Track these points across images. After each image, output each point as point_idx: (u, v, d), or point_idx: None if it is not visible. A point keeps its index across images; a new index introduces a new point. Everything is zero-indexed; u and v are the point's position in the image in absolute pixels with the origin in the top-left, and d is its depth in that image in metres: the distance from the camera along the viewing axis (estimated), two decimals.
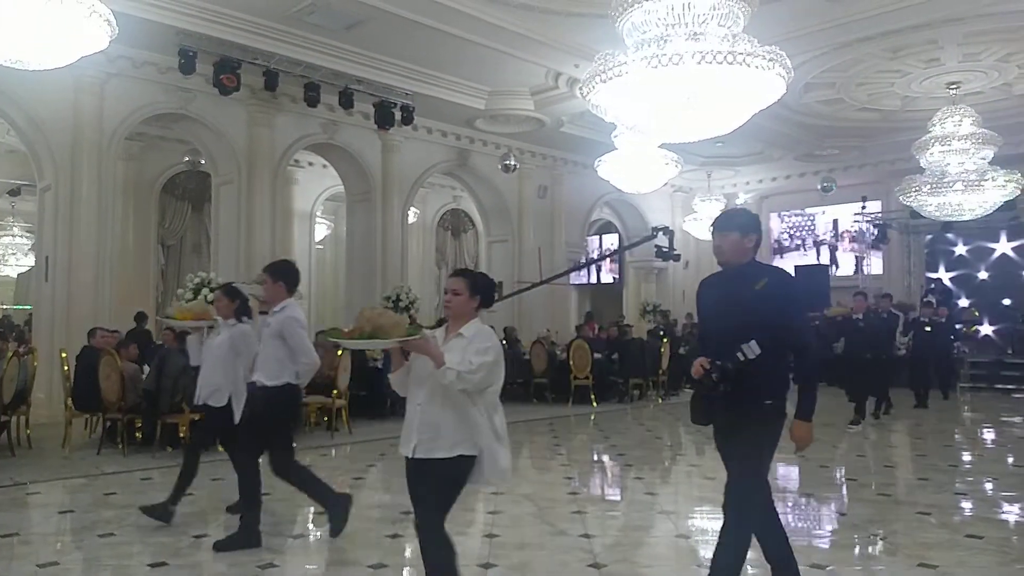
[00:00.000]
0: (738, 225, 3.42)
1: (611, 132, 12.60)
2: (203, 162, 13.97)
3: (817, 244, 20.57)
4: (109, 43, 7.25)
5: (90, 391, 8.03)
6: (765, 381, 3.28)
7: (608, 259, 22.82)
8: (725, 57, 6.81)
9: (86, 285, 10.84)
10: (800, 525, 5.44)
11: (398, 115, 12.65)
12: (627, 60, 7.21)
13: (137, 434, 7.87)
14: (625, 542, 4.94)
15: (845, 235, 19.86)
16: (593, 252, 23.52)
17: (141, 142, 14.58)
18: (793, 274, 17.98)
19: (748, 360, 3.19)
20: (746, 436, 3.42)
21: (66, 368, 8.40)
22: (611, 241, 23.16)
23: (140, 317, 12.17)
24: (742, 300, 3.32)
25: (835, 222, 20.13)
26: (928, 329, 12.63)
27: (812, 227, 20.66)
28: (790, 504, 6.09)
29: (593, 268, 23.78)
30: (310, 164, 16.72)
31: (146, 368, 8.30)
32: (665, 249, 13.28)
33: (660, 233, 13.73)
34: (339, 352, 9.09)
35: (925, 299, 15.29)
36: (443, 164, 15.73)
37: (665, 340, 14.06)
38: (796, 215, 20.91)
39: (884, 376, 10.85)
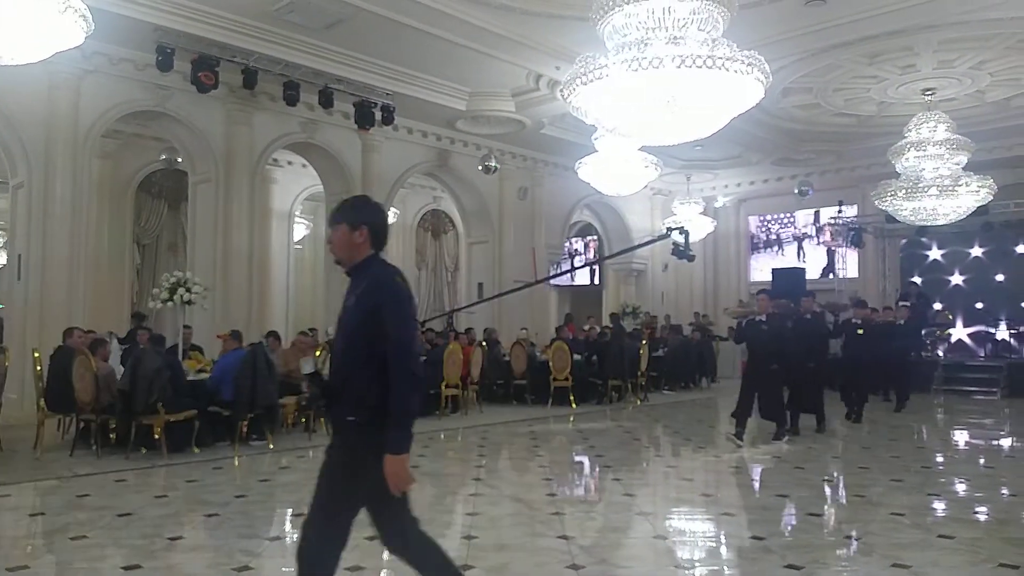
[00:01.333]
0: (346, 216, 2.91)
1: (592, 135, 12.65)
2: (180, 160, 13.82)
3: (795, 238, 20.82)
4: (85, 39, 7.15)
5: (63, 392, 7.91)
6: (353, 396, 2.78)
7: (611, 258, 22.66)
8: (704, 61, 6.86)
9: (60, 284, 10.69)
10: (775, 526, 5.48)
11: (378, 115, 12.61)
12: (608, 63, 7.24)
13: (111, 435, 7.77)
14: (603, 543, 4.95)
15: (826, 228, 20.10)
16: (574, 254, 23.60)
17: (117, 140, 14.39)
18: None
19: (330, 373, 2.81)
20: (328, 462, 2.88)
21: (39, 368, 8.27)
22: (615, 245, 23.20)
23: (138, 317, 12.02)
24: (346, 303, 2.91)
25: (816, 214, 20.36)
26: (860, 332, 11.19)
27: (792, 221, 20.88)
28: (765, 505, 6.14)
29: (573, 269, 23.82)
30: (289, 163, 16.60)
31: (120, 368, 8.20)
32: (681, 248, 13.36)
33: (676, 232, 13.80)
34: (317, 352, 9.04)
35: (901, 302, 15.51)
36: (423, 165, 15.69)
37: (644, 342, 14.11)
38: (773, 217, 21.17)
39: (797, 386, 9.46)
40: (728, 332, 12.03)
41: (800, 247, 20.43)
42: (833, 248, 19.47)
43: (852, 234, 17.63)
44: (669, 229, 13.77)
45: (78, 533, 4.91)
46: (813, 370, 9.54)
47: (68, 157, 10.77)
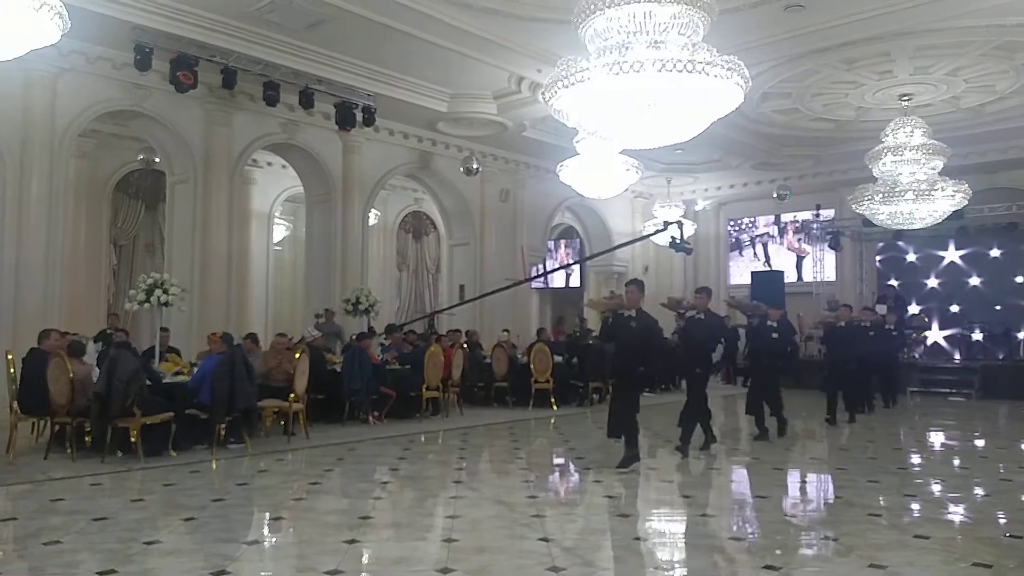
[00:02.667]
0: None
1: (573, 137, 12.68)
2: (158, 160, 13.71)
3: (753, 241, 21.05)
4: (61, 37, 7.06)
5: (38, 394, 7.79)
6: None
7: (585, 259, 22.71)
8: (685, 65, 6.90)
9: (35, 285, 10.55)
10: (754, 527, 5.52)
11: (359, 116, 12.57)
12: (589, 66, 7.27)
13: (87, 438, 7.66)
14: (584, 545, 4.95)
15: (788, 227, 20.35)
16: (556, 258, 23.62)
17: (94, 139, 14.24)
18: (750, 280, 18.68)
19: None
20: None
21: (12, 371, 8.14)
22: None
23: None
24: None
25: (777, 217, 20.64)
26: (776, 336, 9.75)
27: (753, 224, 21.13)
28: (743, 506, 6.18)
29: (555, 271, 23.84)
30: (269, 164, 16.51)
31: (96, 371, 8.09)
32: (678, 241, 13.46)
33: (673, 226, 13.87)
34: (297, 355, 8.98)
35: (877, 304, 15.70)
36: (405, 166, 15.66)
37: None
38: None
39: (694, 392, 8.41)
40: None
41: (766, 250, 20.62)
42: (800, 253, 19.71)
43: (830, 237, 17.81)
44: (666, 223, 13.80)
45: (51, 538, 4.83)
46: (701, 376, 8.20)
47: (44, 156, 10.64)
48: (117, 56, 10.76)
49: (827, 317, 11.82)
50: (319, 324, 12.87)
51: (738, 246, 21.34)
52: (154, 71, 10.50)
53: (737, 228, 21.47)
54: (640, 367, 7.32)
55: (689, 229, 19.22)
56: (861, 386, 11.53)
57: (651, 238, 17.48)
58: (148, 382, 7.60)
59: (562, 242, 22.90)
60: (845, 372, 10.80)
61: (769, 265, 20.32)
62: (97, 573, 4.19)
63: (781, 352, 9.76)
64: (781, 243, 20.53)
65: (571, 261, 21.91)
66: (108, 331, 11.07)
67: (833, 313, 12.67)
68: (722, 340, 8.82)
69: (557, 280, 23.70)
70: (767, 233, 20.90)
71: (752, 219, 21.13)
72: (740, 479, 7.39)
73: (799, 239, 20.11)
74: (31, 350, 8.46)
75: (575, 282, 23.00)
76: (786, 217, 20.52)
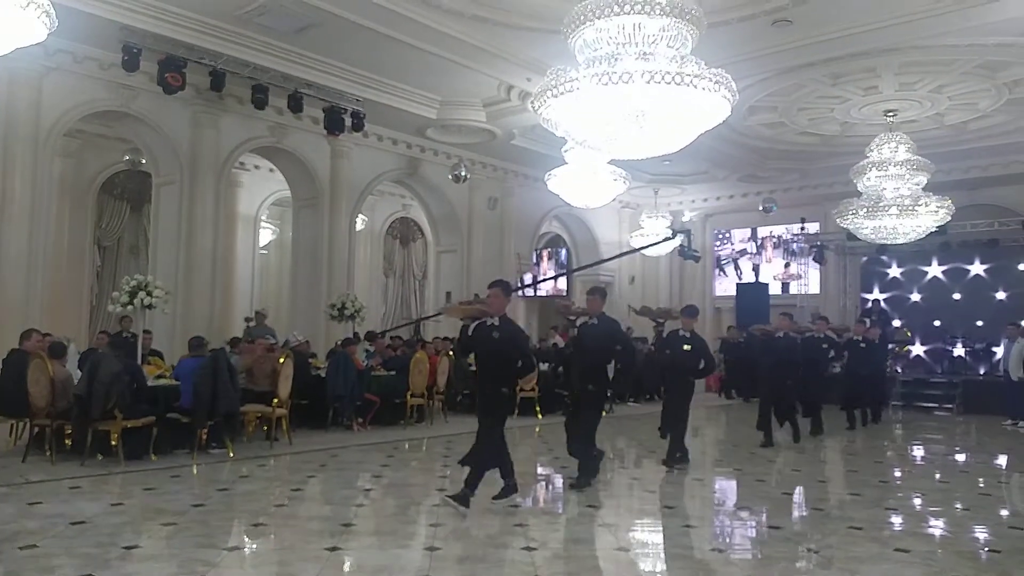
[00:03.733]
0: None
1: (562, 147, 12.72)
2: (144, 162, 13.62)
3: (730, 258, 21.21)
4: (48, 36, 7.01)
5: (17, 396, 7.70)
6: None
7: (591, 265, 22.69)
8: (673, 78, 6.96)
9: (16, 285, 10.43)
10: (735, 539, 5.54)
11: (348, 121, 12.55)
12: (578, 76, 7.31)
13: (67, 441, 7.58)
14: (566, 555, 4.95)
15: (767, 243, 20.52)
16: (543, 267, 23.61)
17: (79, 139, 14.13)
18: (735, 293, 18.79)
19: None
20: None
21: None
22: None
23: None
24: None
25: (753, 231, 20.81)
26: (687, 348, 8.21)
27: (728, 238, 21.31)
28: (726, 517, 6.20)
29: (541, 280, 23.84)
30: (256, 167, 16.43)
31: (78, 373, 8.01)
32: (687, 248, 13.49)
33: (679, 235, 13.93)
34: (281, 360, 8.93)
35: (861, 319, 15.81)
36: (393, 172, 15.65)
37: None
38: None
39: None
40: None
41: (737, 266, 20.74)
42: (787, 278, 19.88)
43: (814, 251, 17.95)
44: (675, 231, 13.89)
45: (28, 542, 4.77)
46: (595, 394, 7.10)
47: (28, 156, 10.55)
48: (104, 56, 10.70)
49: (765, 327, 10.87)
50: (249, 328, 12.56)
51: (716, 264, 21.50)
52: (142, 72, 10.44)
53: (716, 244, 21.62)
54: (504, 386, 6.05)
55: (675, 240, 19.31)
56: (802, 401, 10.73)
57: (642, 246, 17.56)
58: (135, 386, 7.52)
59: (544, 252, 22.90)
60: (780, 386, 9.89)
61: (740, 274, 20.55)
62: None
63: (692, 367, 8.12)
64: (760, 258, 20.68)
65: (585, 264, 21.73)
66: (123, 334, 10.78)
67: (812, 324, 12.65)
68: (619, 349, 7.27)
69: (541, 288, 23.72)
70: (744, 250, 21.05)
71: (727, 233, 21.25)
72: (723, 490, 7.40)
73: (789, 255, 20.25)
74: (11, 351, 8.37)
75: (561, 291, 22.99)
76: (763, 232, 20.71)
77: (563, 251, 23.09)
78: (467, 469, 5.98)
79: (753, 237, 20.91)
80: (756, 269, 20.31)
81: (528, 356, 6.41)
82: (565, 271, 20.27)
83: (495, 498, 6.02)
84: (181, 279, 12.09)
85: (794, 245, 19.28)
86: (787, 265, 19.64)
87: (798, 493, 7.27)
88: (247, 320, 13.05)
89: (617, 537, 5.44)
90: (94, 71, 11.00)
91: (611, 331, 7.10)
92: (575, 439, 7.25)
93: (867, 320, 13.63)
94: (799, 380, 10.30)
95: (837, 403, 12.36)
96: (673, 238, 14.15)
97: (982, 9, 9.54)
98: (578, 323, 7.76)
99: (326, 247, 14.29)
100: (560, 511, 6.45)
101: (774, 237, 20.56)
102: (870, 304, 18.42)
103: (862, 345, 12.62)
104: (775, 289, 19.63)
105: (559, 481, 7.73)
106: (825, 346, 11.52)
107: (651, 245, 17.82)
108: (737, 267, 20.40)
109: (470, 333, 6.09)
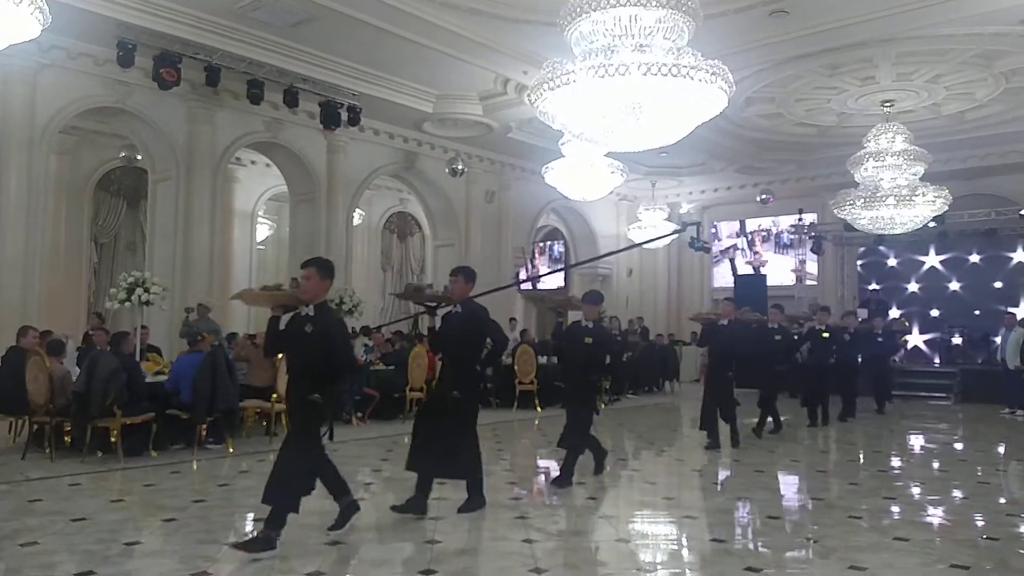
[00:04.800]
0: None
1: (558, 139, 12.70)
2: (140, 158, 13.58)
3: (721, 253, 21.18)
4: (42, 32, 6.98)
5: (16, 393, 7.69)
6: None
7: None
8: (670, 69, 6.94)
9: (13, 283, 10.41)
10: (736, 528, 5.55)
11: (344, 115, 12.52)
12: (574, 69, 7.29)
13: (66, 438, 7.58)
14: (566, 547, 4.96)
15: (755, 236, 20.52)
16: (539, 261, 23.63)
17: (75, 136, 14.09)
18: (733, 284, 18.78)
19: None
20: None
21: None
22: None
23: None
24: None
25: (741, 224, 20.80)
26: (589, 341, 6.94)
27: (715, 234, 21.32)
28: (725, 508, 6.21)
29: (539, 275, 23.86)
30: (252, 163, 16.40)
31: (76, 370, 8.01)
32: (697, 240, 13.40)
33: (689, 227, 13.87)
34: (280, 355, 8.91)
35: (860, 309, 15.86)
36: (390, 166, 15.61)
37: None
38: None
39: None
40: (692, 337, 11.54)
41: (732, 266, 20.69)
42: (758, 264, 19.88)
43: (812, 241, 17.96)
44: (685, 223, 13.82)
45: (29, 539, 4.77)
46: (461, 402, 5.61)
47: (23, 153, 10.51)
48: (99, 52, 10.66)
49: (708, 314, 10.13)
50: (187, 320, 11.21)
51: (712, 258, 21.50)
52: (137, 68, 10.40)
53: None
54: (325, 385, 4.80)
55: (685, 232, 19.29)
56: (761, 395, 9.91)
57: (651, 239, 17.52)
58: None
59: (536, 246, 22.90)
60: (722, 379, 8.90)
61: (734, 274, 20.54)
62: (75, 574, 4.14)
63: (598, 362, 7.10)
64: (755, 257, 20.68)
65: (568, 264, 21.73)
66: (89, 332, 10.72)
67: (801, 314, 12.40)
68: (489, 341, 5.82)
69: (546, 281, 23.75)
70: (735, 245, 21.04)
71: (713, 227, 21.23)
72: (722, 481, 7.42)
73: (780, 248, 20.25)
74: (9, 348, 8.36)
75: (560, 283, 23.01)
76: (751, 225, 20.73)
77: (555, 245, 23.12)
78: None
79: (742, 231, 20.87)
80: (756, 269, 20.22)
81: (345, 344, 5.10)
82: (563, 265, 20.25)
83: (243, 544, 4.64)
84: (178, 275, 12.08)
85: (783, 235, 19.30)
86: (803, 261, 19.62)
87: (797, 483, 7.29)
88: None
89: (617, 528, 5.45)
90: (89, 67, 10.96)
91: (475, 320, 5.59)
92: (568, 437, 6.65)
93: (856, 312, 13.43)
94: (767, 374, 9.82)
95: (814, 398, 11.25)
96: (683, 231, 14.10)
97: None
98: (439, 311, 6.05)
99: (323, 242, 14.26)
100: (560, 503, 6.46)
101: (763, 231, 20.61)
102: (869, 294, 18.44)
103: (846, 336, 11.76)
104: (788, 280, 19.63)
105: (558, 473, 7.73)
106: (778, 337, 10.38)
107: (661, 238, 17.77)
108: (733, 267, 20.32)
109: (282, 327, 4.94)
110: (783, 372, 10.50)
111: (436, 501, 6.01)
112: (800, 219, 18.47)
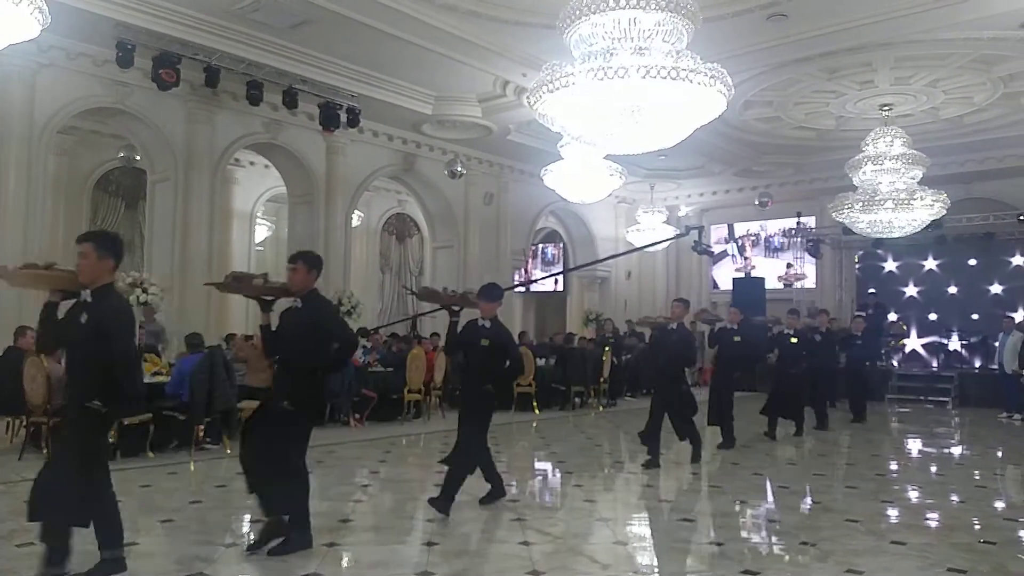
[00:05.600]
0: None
1: (557, 142, 12.71)
2: (139, 159, 13.57)
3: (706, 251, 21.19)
4: (41, 32, 6.98)
5: (13, 393, 7.68)
6: None
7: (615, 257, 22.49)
8: (669, 72, 6.94)
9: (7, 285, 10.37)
10: (733, 532, 5.55)
11: (343, 117, 12.52)
12: (574, 71, 7.29)
13: None
14: (563, 549, 4.96)
15: (745, 241, 20.54)
16: (548, 262, 23.66)
17: (74, 136, 14.08)
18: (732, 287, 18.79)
19: None
20: None
21: None
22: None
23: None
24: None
25: (730, 228, 20.83)
26: (486, 343, 6.11)
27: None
28: (723, 511, 6.21)
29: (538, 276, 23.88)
30: (251, 164, 16.39)
31: None
32: (700, 243, 13.35)
33: (694, 230, 13.86)
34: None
35: (858, 312, 15.86)
36: (389, 168, 15.61)
37: (608, 348, 14.20)
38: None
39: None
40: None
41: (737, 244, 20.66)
42: (747, 269, 19.91)
43: (810, 245, 17.97)
44: (687, 227, 13.81)
45: (25, 540, 4.76)
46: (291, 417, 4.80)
47: (22, 153, 10.49)
48: (98, 53, 10.64)
49: (656, 319, 9.42)
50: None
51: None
52: (136, 68, 10.39)
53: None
54: (308, 380, 4.63)
55: (670, 234, 19.31)
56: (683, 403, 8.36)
57: (655, 242, 17.58)
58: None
59: (528, 250, 22.88)
60: (667, 388, 8.24)
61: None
62: None
63: (495, 366, 6.04)
64: (744, 262, 20.72)
65: (568, 268, 21.69)
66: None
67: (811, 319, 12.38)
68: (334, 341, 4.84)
69: (546, 284, 23.78)
70: (725, 252, 21.06)
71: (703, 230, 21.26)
72: (719, 485, 7.42)
73: (771, 252, 20.28)
74: (7, 348, 8.35)
75: (559, 286, 23.04)
76: (739, 231, 20.79)
77: (548, 248, 23.12)
78: None
79: (730, 235, 20.85)
80: (747, 274, 20.17)
81: (342, 334, 4.80)
82: (562, 269, 20.24)
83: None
84: (176, 276, 12.06)
85: (775, 240, 19.34)
86: (789, 265, 19.62)
87: (795, 487, 7.29)
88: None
89: (614, 531, 5.45)
90: (88, 67, 10.95)
91: (316, 318, 4.73)
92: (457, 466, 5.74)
93: (827, 312, 12.91)
94: (730, 381, 9.29)
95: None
96: (686, 234, 14.12)
97: (977, 3, 9.54)
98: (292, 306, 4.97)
99: (322, 243, 14.25)
100: (558, 506, 6.46)
101: (752, 235, 20.67)
102: (867, 298, 18.45)
103: (816, 339, 11.15)
104: (776, 285, 19.64)
105: (556, 475, 7.74)
106: (737, 339, 9.64)
107: (664, 241, 17.76)
108: (739, 248, 20.12)
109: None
110: (795, 375, 10.32)
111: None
112: (799, 222, 18.49)
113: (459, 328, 6.13)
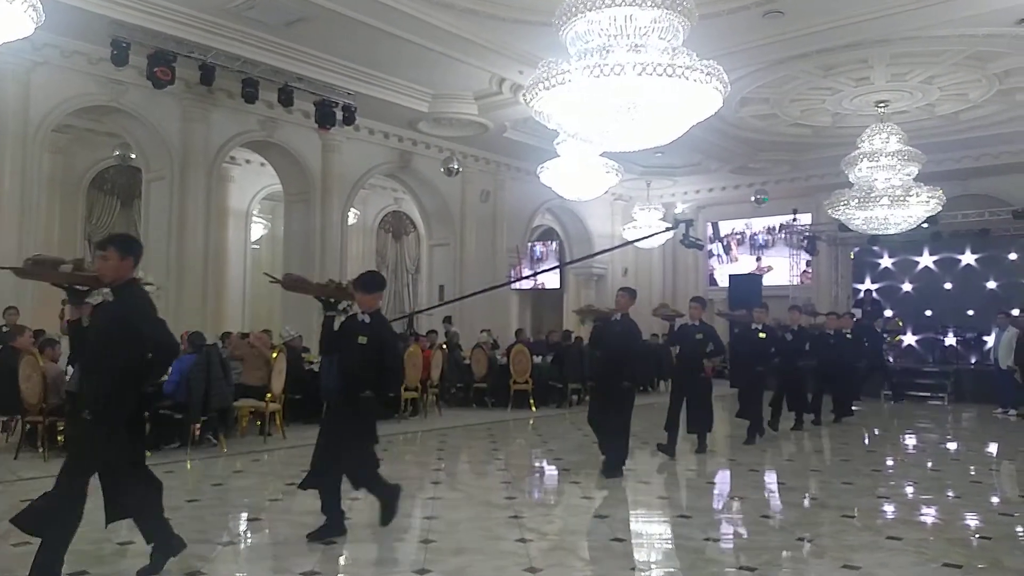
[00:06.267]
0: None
1: (554, 139, 12.71)
2: (134, 157, 13.54)
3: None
4: (35, 30, 6.96)
5: (9, 393, 7.67)
6: None
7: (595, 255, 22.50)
8: (665, 69, 6.95)
9: (6, 282, 10.34)
10: (730, 528, 5.56)
11: (339, 115, 12.50)
12: (570, 69, 7.29)
13: (59, 438, 7.55)
14: (561, 546, 4.96)
15: (730, 240, 20.60)
16: (536, 259, 23.64)
17: (69, 134, 14.05)
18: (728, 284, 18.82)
19: None
20: None
21: None
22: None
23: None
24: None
25: (715, 227, 20.95)
26: (363, 341, 5.31)
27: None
28: (720, 507, 6.22)
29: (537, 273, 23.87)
30: (247, 162, 16.37)
31: (70, 369, 7.98)
32: (690, 237, 13.13)
33: (683, 224, 13.71)
34: (274, 355, 8.91)
35: (854, 309, 15.85)
36: (385, 166, 15.60)
37: None
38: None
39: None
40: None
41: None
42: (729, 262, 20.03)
43: (806, 241, 18.00)
44: (677, 220, 13.68)
45: (20, 539, 4.75)
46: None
47: (16, 151, 10.47)
48: (93, 51, 10.62)
49: (599, 308, 8.51)
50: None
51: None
52: (131, 66, 10.37)
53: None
54: (108, 388, 3.89)
55: (667, 232, 19.29)
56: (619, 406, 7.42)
57: (644, 236, 17.55)
58: None
59: (523, 246, 22.88)
60: (606, 389, 7.49)
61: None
62: (68, 574, 4.12)
63: (374, 367, 5.01)
64: (726, 260, 20.81)
65: (563, 262, 21.70)
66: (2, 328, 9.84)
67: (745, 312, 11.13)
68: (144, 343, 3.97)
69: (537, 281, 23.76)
70: (710, 251, 21.14)
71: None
72: (717, 481, 7.43)
73: (757, 250, 20.36)
74: (1, 348, 8.34)
75: (556, 284, 23.04)
76: (724, 229, 20.83)
77: (537, 247, 23.12)
78: None
79: (715, 234, 20.89)
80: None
81: (155, 335, 3.96)
82: (544, 268, 20.25)
83: None
84: (172, 274, 12.05)
85: (758, 236, 19.43)
86: (758, 259, 19.74)
87: (791, 482, 7.30)
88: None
89: (612, 528, 5.46)
90: (83, 66, 10.92)
91: (126, 313, 3.97)
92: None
93: (799, 308, 11.61)
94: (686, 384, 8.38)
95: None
96: (676, 228, 14.00)
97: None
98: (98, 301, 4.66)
99: (318, 241, 14.25)
100: (555, 503, 6.47)
101: (737, 234, 20.75)
102: (863, 294, 18.49)
103: (788, 336, 10.51)
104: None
105: (554, 472, 7.74)
106: (700, 336, 8.49)
107: (654, 235, 17.73)
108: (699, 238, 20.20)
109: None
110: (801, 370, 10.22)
111: (431, 500, 6.01)
112: (794, 219, 18.51)
113: (331, 325, 5.13)
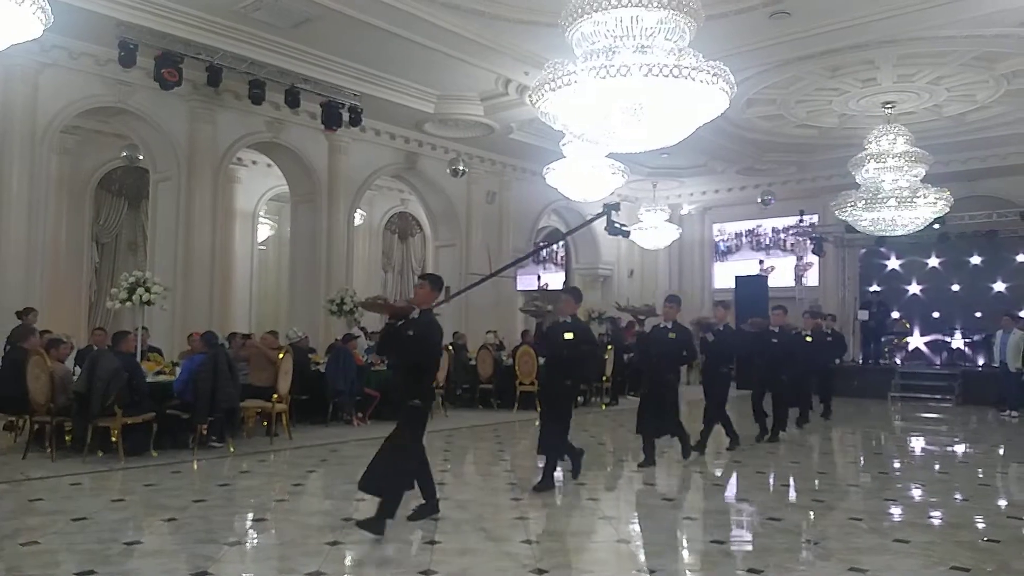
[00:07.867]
0: None
1: (559, 140, 12.70)
2: (141, 158, 13.58)
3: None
4: (43, 32, 6.98)
5: (17, 392, 7.70)
6: None
7: (549, 246, 22.59)
8: (671, 71, 6.93)
9: (14, 283, 10.41)
10: (736, 530, 5.55)
11: (346, 116, 12.52)
12: (576, 70, 7.28)
13: (67, 438, 7.59)
14: (566, 548, 4.96)
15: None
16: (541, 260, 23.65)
17: (77, 135, 14.09)
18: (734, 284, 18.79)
19: None
20: None
21: None
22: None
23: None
24: None
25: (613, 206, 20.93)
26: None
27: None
28: (726, 509, 6.21)
29: (541, 272, 23.88)
30: (254, 163, 16.40)
31: (77, 369, 8.02)
32: (617, 224, 12.65)
33: (611, 211, 13.51)
34: (280, 356, 8.93)
35: (861, 310, 15.79)
36: (391, 167, 15.62)
37: (610, 347, 14.18)
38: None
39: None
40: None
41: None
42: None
43: (813, 243, 17.95)
44: (606, 207, 13.32)
45: (29, 539, 4.78)
46: None
47: (24, 152, 10.52)
48: (101, 52, 10.66)
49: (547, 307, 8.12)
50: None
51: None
52: (138, 68, 10.40)
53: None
54: None
55: (674, 233, 19.27)
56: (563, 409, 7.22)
57: (567, 232, 17.48)
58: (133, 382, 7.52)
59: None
60: (554, 392, 7.23)
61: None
62: (76, 574, 4.15)
63: (572, 357, 6.36)
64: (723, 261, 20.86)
65: (524, 255, 21.37)
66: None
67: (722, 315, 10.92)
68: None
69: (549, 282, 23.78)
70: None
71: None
72: (723, 483, 7.42)
73: (760, 250, 20.41)
74: (10, 348, 8.38)
75: (560, 285, 23.03)
76: (737, 228, 20.82)
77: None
78: None
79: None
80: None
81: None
82: (532, 251, 20.12)
83: None
84: (179, 275, 12.08)
85: (765, 238, 19.41)
86: (761, 261, 19.70)
87: (797, 484, 7.29)
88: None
89: (617, 529, 5.45)
90: (90, 67, 10.96)
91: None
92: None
93: (783, 309, 11.61)
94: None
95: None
96: (604, 214, 13.69)
97: (980, 0, 9.52)
98: None
99: (324, 242, 14.27)
100: (560, 504, 6.46)
101: (733, 237, 20.75)
102: (870, 296, 18.44)
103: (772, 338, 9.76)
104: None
105: (559, 474, 7.73)
106: (672, 335, 8.11)
107: (579, 228, 17.66)
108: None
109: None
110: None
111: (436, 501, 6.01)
112: (801, 220, 18.46)
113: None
